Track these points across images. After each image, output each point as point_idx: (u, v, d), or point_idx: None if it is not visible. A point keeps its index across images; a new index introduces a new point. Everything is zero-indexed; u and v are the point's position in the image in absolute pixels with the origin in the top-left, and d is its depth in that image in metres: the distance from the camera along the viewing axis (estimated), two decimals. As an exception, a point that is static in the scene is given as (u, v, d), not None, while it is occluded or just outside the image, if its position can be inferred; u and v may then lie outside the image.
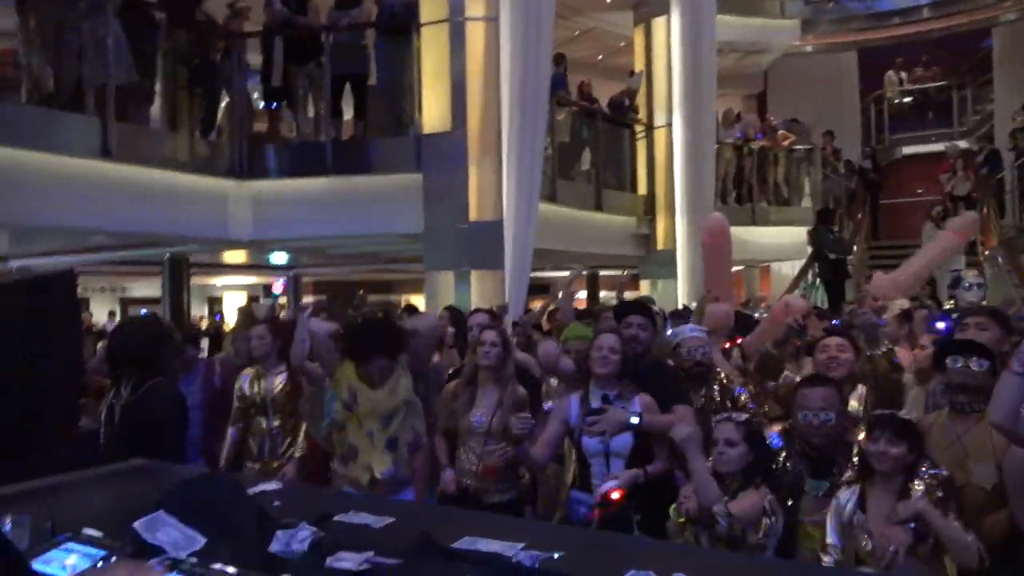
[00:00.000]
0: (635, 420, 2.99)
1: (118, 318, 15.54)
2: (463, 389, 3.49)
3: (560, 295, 5.38)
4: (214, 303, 18.69)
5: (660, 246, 10.88)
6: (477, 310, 4.89)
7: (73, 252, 8.44)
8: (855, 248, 11.17)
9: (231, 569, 1.32)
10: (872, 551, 2.54)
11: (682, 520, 2.67)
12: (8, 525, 1.52)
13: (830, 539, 2.64)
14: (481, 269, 6.54)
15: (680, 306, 9.08)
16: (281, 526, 1.61)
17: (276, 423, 4.16)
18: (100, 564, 1.35)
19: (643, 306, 3.78)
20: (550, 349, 3.87)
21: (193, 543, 1.53)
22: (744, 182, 11.79)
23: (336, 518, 1.89)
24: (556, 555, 1.59)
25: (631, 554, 1.61)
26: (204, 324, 13.79)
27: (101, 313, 15.88)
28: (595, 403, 3.05)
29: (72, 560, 1.37)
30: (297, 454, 4.04)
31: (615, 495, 2.86)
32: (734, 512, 2.44)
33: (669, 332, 3.93)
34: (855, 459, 2.79)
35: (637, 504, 2.92)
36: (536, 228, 6.90)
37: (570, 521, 3.01)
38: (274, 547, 1.53)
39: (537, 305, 6.77)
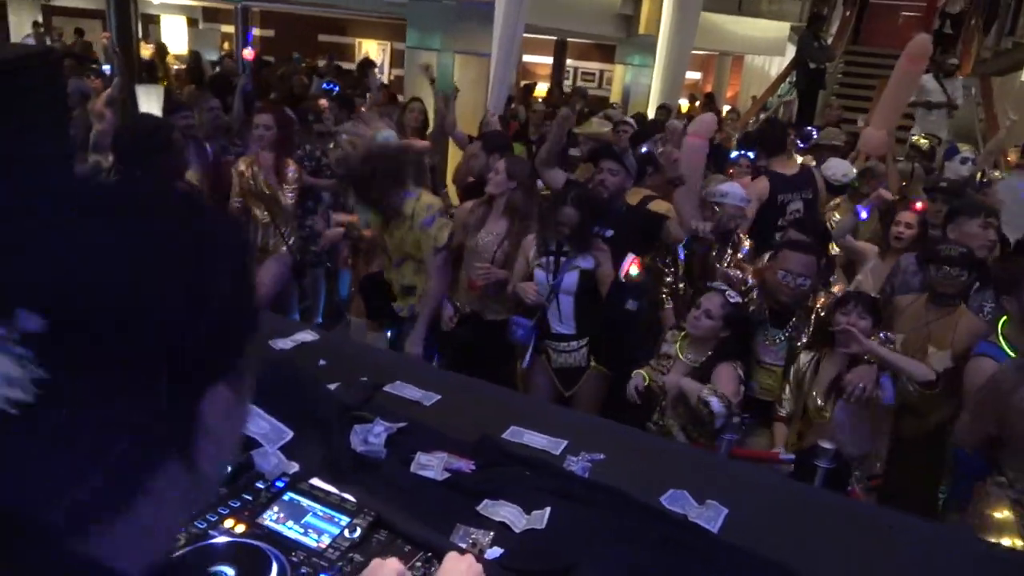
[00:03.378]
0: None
1: (44, 31, 14.27)
2: (478, 207, 3.60)
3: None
4: (149, 23, 17.15)
5: (642, 30, 10.43)
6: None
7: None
8: (836, 55, 10.93)
9: (326, 486, 1.47)
10: (819, 405, 2.96)
11: (649, 382, 2.97)
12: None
13: (785, 394, 3.04)
14: (466, 53, 6.20)
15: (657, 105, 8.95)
16: (356, 419, 1.76)
17: (265, 214, 4.24)
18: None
19: (614, 152, 3.80)
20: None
21: (282, 435, 1.68)
22: (740, -34, 11.10)
23: (386, 388, 2.05)
24: (600, 458, 1.81)
25: (665, 463, 1.84)
26: (145, 52, 12.78)
27: (24, 24, 14.46)
28: (551, 246, 3.30)
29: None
30: (288, 244, 4.23)
31: (633, 270, 3.10)
32: (727, 393, 2.73)
33: (724, 187, 3.84)
34: (812, 320, 3.11)
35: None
36: (527, 10, 6.48)
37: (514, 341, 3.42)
38: (354, 443, 1.68)
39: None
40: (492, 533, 1.42)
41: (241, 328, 0.58)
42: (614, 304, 3.13)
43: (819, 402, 2.95)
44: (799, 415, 3.01)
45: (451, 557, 1.13)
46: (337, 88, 7.98)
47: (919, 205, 3.87)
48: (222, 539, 1.29)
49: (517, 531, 1.45)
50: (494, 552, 1.38)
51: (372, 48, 16.83)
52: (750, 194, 3.99)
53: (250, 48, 8.80)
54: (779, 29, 11.92)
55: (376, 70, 11.11)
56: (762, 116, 8.89)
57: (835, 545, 1.56)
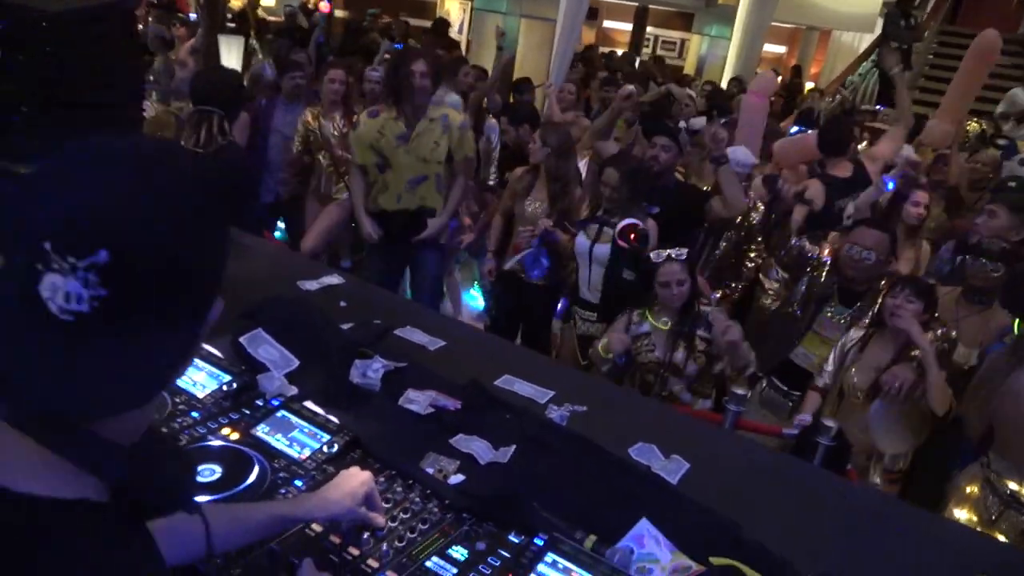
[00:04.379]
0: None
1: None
2: (526, 175, 3.73)
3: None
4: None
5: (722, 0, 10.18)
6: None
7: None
8: (925, 34, 10.41)
9: (316, 409, 1.65)
10: (855, 384, 2.95)
11: (608, 355, 3.03)
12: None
13: (828, 365, 3.05)
14: (532, 18, 6.23)
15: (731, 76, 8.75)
16: (358, 355, 1.93)
17: (328, 164, 4.48)
18: (228, 386, 1.67)
19: (669, 128, 3.82)
20: None
21: (289, 363, 1.86)
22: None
23: (396, 332, 2.22)
24: (581, 409, 1.93)
25: (643, 420, 1.95)
26: (236, 3, 13.18)
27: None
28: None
29: (201, 377, 1.70)
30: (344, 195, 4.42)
31: (632, 235, 3.19)
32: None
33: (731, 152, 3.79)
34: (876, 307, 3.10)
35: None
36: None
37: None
38: (353, 376, 1.85)
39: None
40: (458, 462, 1.57)
41: (222, 255, 0.72)
42: (613, 274, 3.20)
43: (854, 380, 2.94)
44: (835, 391, 3.01)
45: (350, 470, 1.30)
46: (401, 46, 8.19)
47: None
48: (217, 443, 1.48)
49: (482, 463, 1.59)
50: (457, 478, 1.53)
51: (454, 7, 16.89)
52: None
53: (326, 1, 9.01)
54: (870, 4, 11.41)
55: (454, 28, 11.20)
56: (838, 96, 8.58)
57: (784, 506, 1.65)
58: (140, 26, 7.19)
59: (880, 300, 3.07)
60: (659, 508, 1.50)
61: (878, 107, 7.43)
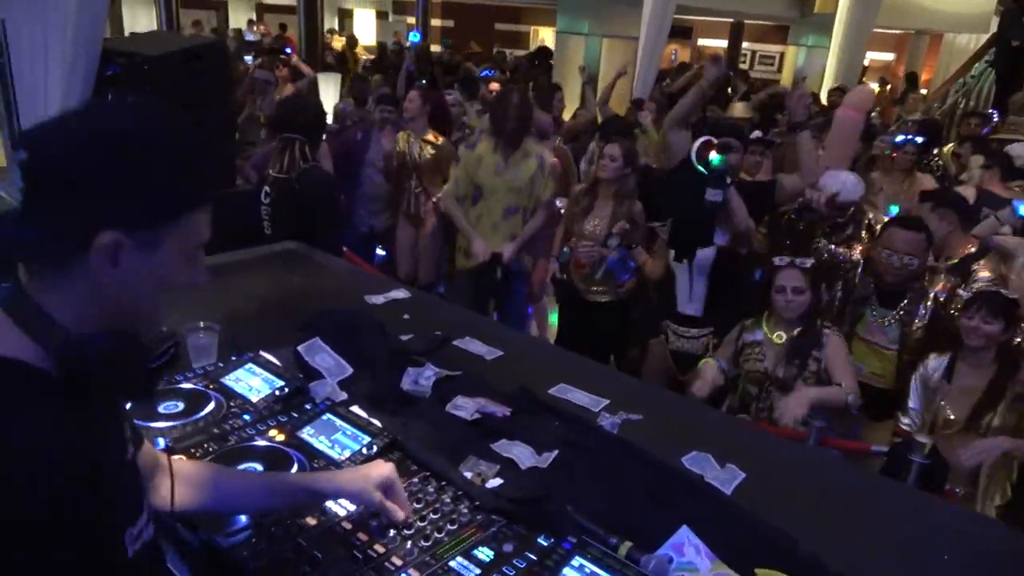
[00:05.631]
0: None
1: (256, 26, 15.91)
2: (583, 196, 3.69)
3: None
4: (344, 17, 18.59)
5: (818, 8, 9.84)
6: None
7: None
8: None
9: (361, 413, 1.67)
10: (950, 419, 2.72)
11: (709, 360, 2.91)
12: (201, 333, 1.92)
13: (911, 403, 2.81)
14: (614, 37, 6.24)
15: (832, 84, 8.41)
16: (411, 363, 1.95)
17: (417, 184, 4.62)
18: (280, 391, 1.73)
19: (737, 129, 3.68)
20: None
21: (343, 371, 1.90)
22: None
23: (455, 343, 2.23)
24: (635, 418, 1.88)
25: (703, 430, 1.87)
26: (337, 44, 13.92)
27: (240, 19, 16.22)
28: None
29: (256, 383, 1.76)
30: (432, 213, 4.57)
31: (714, 156, 2.99)
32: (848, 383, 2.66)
33: (832, 177, 3.54)
34: (929, 307, 2.89)
35: None
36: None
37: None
38: (404, 383, 1.88)
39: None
40: (498, 466, 1.55)
41: (155, 203, 0.85)
42: (692, 196, 3.05)
43: (948, 415, 2.72)
44: (927, 425, 2.78)
45: (376, 461, 1.33)
46: (495, 73, 8.45)
47: None
48: (262, 443, 1.53)
49: (523, 468, 1.57)
50: (495, 482, 1.51)
51: (548, 35, 17.14)
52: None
53: (417, 32, 9.43)
54: (984, 3, 10.70)
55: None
56: (948, 101, 8.08)
57: (867, 528, 1.54)
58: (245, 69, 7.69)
59: (930, 303, 2.90)
60: (705, 517, 1.42)
61: (992, 111, 6.93)
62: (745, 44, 15.11)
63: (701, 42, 16.15)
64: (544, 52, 10.67)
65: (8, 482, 0.73)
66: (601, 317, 3.68)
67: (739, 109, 5.55)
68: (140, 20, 14.10)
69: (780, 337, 2.86)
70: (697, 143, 3.05)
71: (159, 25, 10.42)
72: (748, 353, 2.90)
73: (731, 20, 13.66)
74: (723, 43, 14.79)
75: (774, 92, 5.80)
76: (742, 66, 14.08)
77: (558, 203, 3.97)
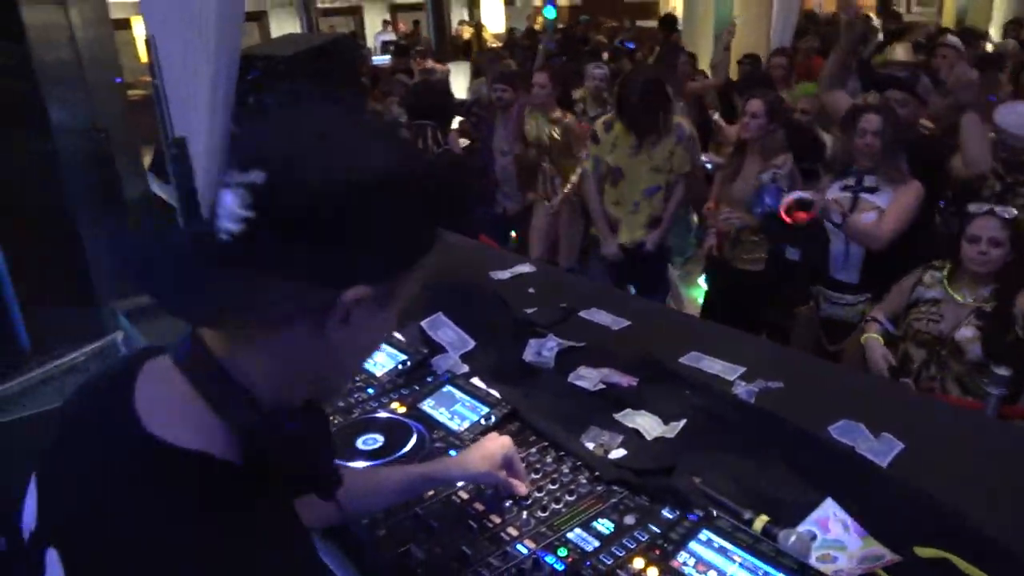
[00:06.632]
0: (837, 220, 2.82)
1: (390, 25, 16.48)
2: (731, 158, 3.51)
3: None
4: (473, 6, 18.81)
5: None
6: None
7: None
8: None
9: (481, 384, 1.65)
10: None
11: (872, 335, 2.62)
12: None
13: None
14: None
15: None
16: (532, 334, 1.91)
17: (548, 164, 4.58)
18: (403, 365, 1.74)
19: (901, 80, 3.31)
20: None
21: (466, 344, 1.90)
22: None
23: (580, 314, 2.16)
24: (776, 385, 1.73)
25: (854, 397, 1.70)
26: (466, 34, 14.14)
27: (376, 21, 16.85)
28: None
29: (381, 358, 1.79)
30: (565, 190, 4.49)
31: (799, 210, 2.78)
32: None
33: (1009, 109, 3.15)
34: None
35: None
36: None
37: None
38: (527, 355, 1.84)
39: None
40: (622, 437, 1.48)
41: (403, 251, 0.71)
42: (773, 251, 2.81)
43: None
44: None
45: (491, 435, 1.27)
46: (634, 46, 8.25)
47: None
48: (384, 415, 1.54)
49: (648, 439, 1.48)
50: (618, 453, 1.43)
51: (679, 3, 16.51)
52: None
53: (552, 8, 9.41)
54: None
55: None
56: None
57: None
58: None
59: None
60: (854, 490, 1.28)
61: None
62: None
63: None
64: (671, 19, 10.29)
65: None
66: (750, 286, 3.47)
67: (900, 52, 5.02)
68: (286, 32, 14.99)
69: (963, 296, 2.55)
70: (790, 197, 2.79)
71: (301, 33, 11.00)
72: (921, 311, 2.60)
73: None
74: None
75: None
76: (896, 8, 12.87)
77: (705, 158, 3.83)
